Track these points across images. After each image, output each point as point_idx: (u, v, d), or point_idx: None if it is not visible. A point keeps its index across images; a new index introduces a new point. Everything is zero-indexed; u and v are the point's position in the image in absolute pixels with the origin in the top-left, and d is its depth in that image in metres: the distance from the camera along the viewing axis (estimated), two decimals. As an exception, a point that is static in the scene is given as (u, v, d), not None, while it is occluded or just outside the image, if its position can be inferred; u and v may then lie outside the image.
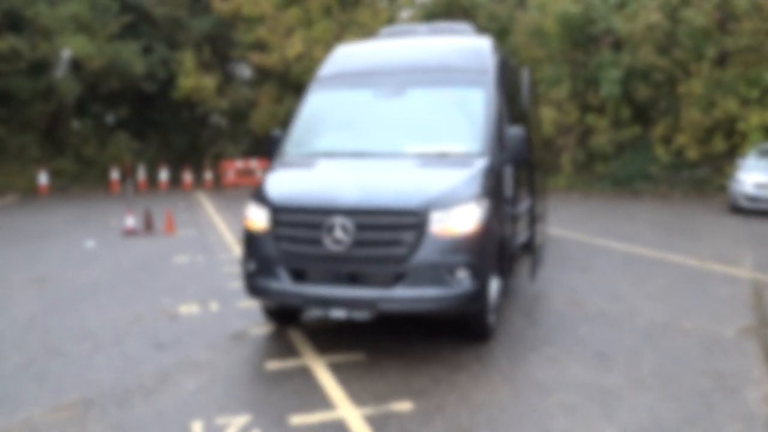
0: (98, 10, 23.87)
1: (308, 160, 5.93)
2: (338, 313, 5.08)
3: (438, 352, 5.50)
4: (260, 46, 25.26)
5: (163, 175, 24.80)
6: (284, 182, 5.61)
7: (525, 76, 7.31)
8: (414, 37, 7.08)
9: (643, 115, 21.69)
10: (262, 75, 26.41)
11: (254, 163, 25.18)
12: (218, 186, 25.28)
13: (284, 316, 6.20)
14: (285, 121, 25.61)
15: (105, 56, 23.39)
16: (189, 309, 7.10)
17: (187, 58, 25.78)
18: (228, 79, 28.57)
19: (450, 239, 5.02)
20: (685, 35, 19.50)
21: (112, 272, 9.16)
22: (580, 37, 21.66)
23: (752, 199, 14.56)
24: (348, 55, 6.86)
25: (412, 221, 5.00)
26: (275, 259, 5.29)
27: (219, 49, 28.18)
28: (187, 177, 24.95)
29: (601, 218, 14.71)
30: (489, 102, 6.03)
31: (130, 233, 12.72)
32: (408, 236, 4.98)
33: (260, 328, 6.32)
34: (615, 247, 10.51)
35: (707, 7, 19.26)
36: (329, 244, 5.03)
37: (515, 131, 5.90)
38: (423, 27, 7.39)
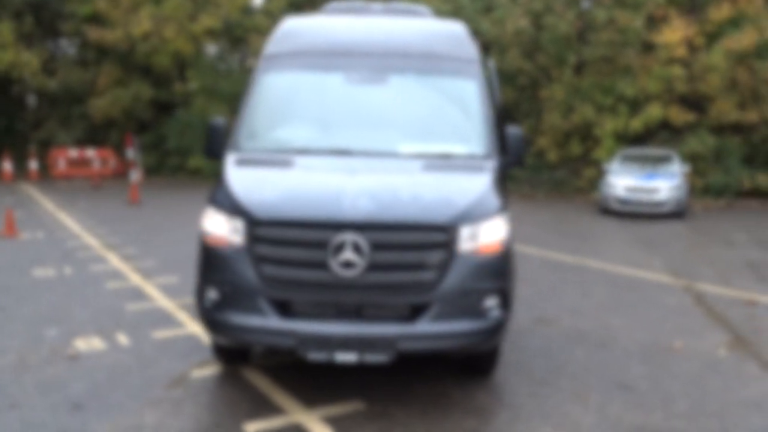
0: None
1: (280, 157, 4.69)
2: (346, 357, 3.95)
3: (446, 393, 4.57)
4: (99, 21, 22.38)
5: (-26, 163, 21.12)
6: (261, 186, 4.34)
7: (492, 67, 6.58)
8: (375, 16, 6.04)
9: (508, 117, 22.18)
10: (101, 53, 23.43)
11: (91, 153, 22.27)
12: (46, 177, 22.00)
13: (237, 353, 4.92)
14: (131, 107, 23.01)
15: None
16: (90, 344, 5.50)
17: (4, 30, 22.18)
18: (56, 56, 25.07)
19: (480, 260, 4.12)
20: (548, 42, 20.17)
21: (-45, 292, 7.09)
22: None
23: (623, 201, 15.21)
24: (303, 30, 5.65)
25: (440, 239, 4.03)
26: (253, 287, 4.04)
27: (45, 21, 24.62)
28: (7, 166, 21.39)
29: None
30: (483, 95, 5.20)
31: (-41, 237, 10.26)
32: (435, 257, 4.01)
33: (204, 369, 4.97)
34: (527, 252, 10.20)
35: (569, 16, 20.06)
36: (337, 269, 3.91)
37: (515, 131, 5.12)
38: (377, 5, 6.36)
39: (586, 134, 20.40)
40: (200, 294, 4.28)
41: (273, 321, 4.01)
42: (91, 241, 10.53)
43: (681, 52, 18.89)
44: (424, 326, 3.99)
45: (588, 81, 20.23)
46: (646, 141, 19.85)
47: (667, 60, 19.04)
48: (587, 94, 20.13)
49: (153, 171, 23.57)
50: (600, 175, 18.15)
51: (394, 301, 4.02)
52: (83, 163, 22.35)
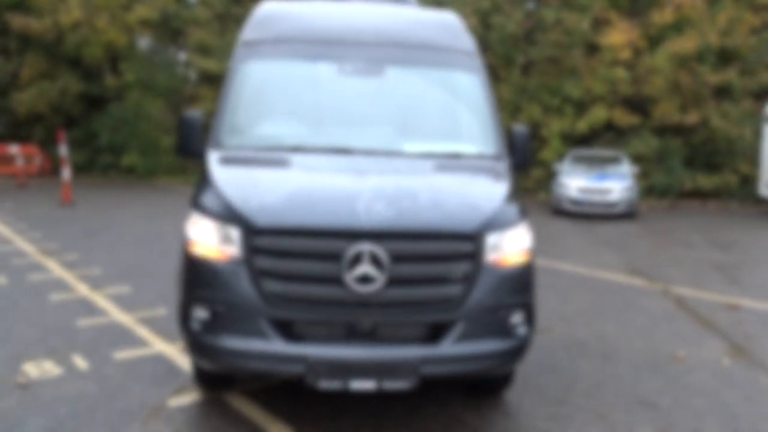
0: None
1: (272, 156, 4.14)
2: (363, 385, 3.45)
3: (460, 419, 4.14)
4: (23, 8, 20.87)
5: None
6: (257, 188, 3.77)
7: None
8: (362, 2, 5.54)
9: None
10: (25, 43, 21.85)
11: (15, 149, 20.70)
12: (-37, 176, 20.32)
13: (221, 378, 4.34)
14: (58, 101, 21.57)
15: None
16: (42, 370, 4.79)
17: None
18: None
19: (506, 273, 3.71)
20: (496, 41, 20.09)
21: None
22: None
23: (576, 202, 15.22)
24: (285, 14, 5.09)
25: (466, 249, 3.59)
26: (252, 305, 3.49)
27: (-39, 7, 22.78)
28: None
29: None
30: (488, 90, 4.80)
31: None
32: (460, 269, 3.57)
33: (182, 396, 4.36)
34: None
35: (517, 16, 20.05)
36: (352, 284, 3.40)
37: (520, 129, 4.75)
38: (358, -8, 5.85)
39: (533, 134, 20.42)
40: (185, 314, 3.68)
41: (277, 345, 3.47)
42: (25, 246, 9.57)
43: (625, 54, 19.15)
44: (449, 348, 3.54)
45: (535, 81, 20.26)
46: (591, 142, 20.06)
47: (611, 62, 19.26)
48: (534, 95, 20.17)
49: (83, 169, 22.18)
50: (548, 175, 18.20)
51: (416, 319, 3.56)
52: (6, 160, 20.73)
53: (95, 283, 7.46)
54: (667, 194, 18.99)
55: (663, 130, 19.72)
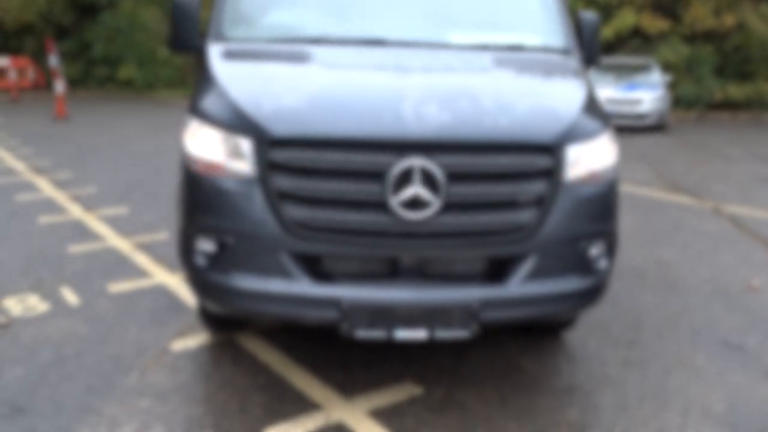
0: None
1: (289, 49, 3.31)
2: (412, 334, 2.76)
3: (519, 367, 3.49)
4: None
5: None
6: (273, 88, 2.96)
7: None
8: None
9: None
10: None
11: (6, 62, 19.62)
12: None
13: (230, 320, 3.67)
14: (47, 9, 20.27)
15: None
16: (26, 306, 4.14)
17: None
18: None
19: (589, 194, 2.94)
20: None
21: None
22: None
23: (603, 114, 14.25)
24: None
25: (543, 164, 2.80)
26: (271, 236, 2.75)
27: None
28: None
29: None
30: (549, -33, 3.88)
31: None
32: (535, 190, 2.79)
33: (187, 338, 3.71)
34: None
35: None
36: (399, 210, 2.65)
37: (591, 18, 3.88)
38: None
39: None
40: (187, 246, 2.96)
41: (303, 285, 2.75)
42: (15, 164, 8.82)
43: (657, -48, 17.67)
44: (517, 287, 2.82)
45: None
46: (617, 50, 18.84)
47: (641, -39, 17.82)
48: (557, -2, 18.75)
49: (78, 83, 21.17)
50: (572, 86, 17.11)
51: (477, 253, 2.82)
52: (-4, 73, 19.77)
53: (89, 204, 6.76)
54: (695, 105, 17.97)
55: (693, 37, 18.46)
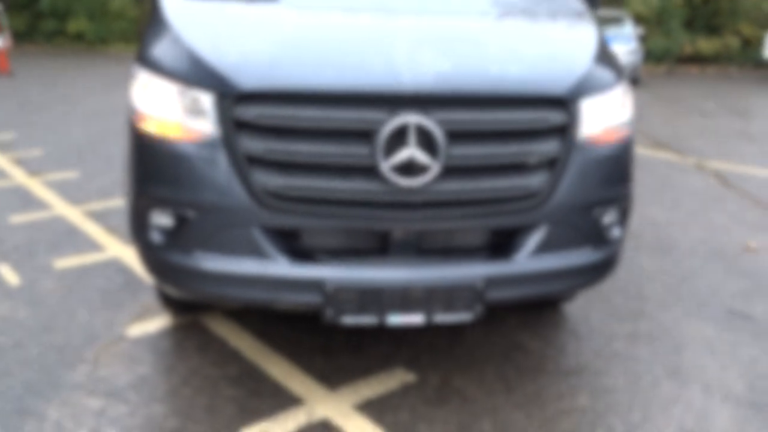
0: None
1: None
2: (406, 319, 2.38)
3: (520, 345, 3.16)
4: None
5: None
6: (235, 31, 2.49)
7: None
8: None
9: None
10: None
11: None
12: None
13: (193, 304, 3.25)
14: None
15: None
16: (-43, 286, 3.64)
17: None
18: None
19: (604, 154, 2.57)
20: None
21: None
22: None
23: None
24: None
25: (556, 120, 2.41)
26: (239, 208, 2.32)
27: None
28: None
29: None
30: None
31: None
32: (546, 150, 2.41)
33: (146, 321, 3.28)
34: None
35: None
36: (391, 175, 2.23)
37: (593, -46, 3.45)
38: None
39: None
40: (139, 221, 2.52)
41: (280, 266, 2.34)
42: (-50, 124, 8.09)
43: None
44: (527, 262, 2.46)
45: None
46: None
47: None
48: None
49: (23, 37, 19.91)
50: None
51: (481, 224, 2.44)
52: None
53: (34, 168, 6.17)
54: (664, 59, 17.75)
55: (663, -12, 18.12)
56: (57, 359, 2.92)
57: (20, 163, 6.36)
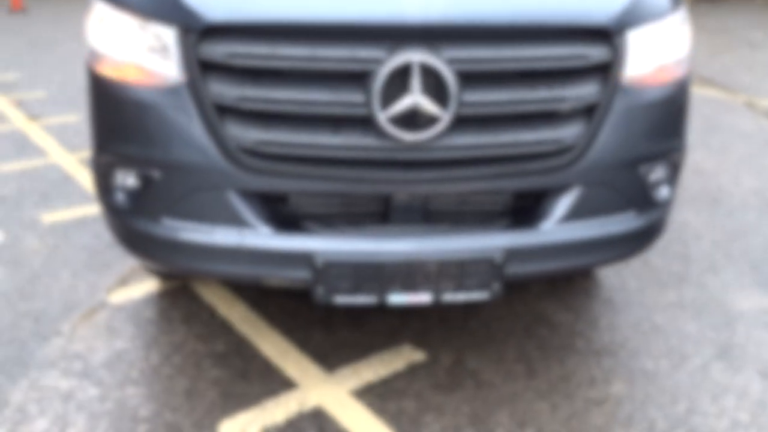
0: None
1: None
2: (411, 298, 2.02)
3: (543, 317, 2.79)
4: None
5: None
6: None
7: None
8: None
9: None
10: None
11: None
12: None
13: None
14: None
15: None
16: (-65, 244, 3.37)
17: None
18: None
19: (657, 98, 2.11)
20: None
21: None
22: None
23: None
24: None
25: (596, 57, 1.96)
26: (211, 167, 1.94)
27: None
28: None
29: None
30: None
31: None
32: (583, 94, 1.97)
33: (133, 286, 2.97)
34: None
35: None
36: (391, 128, 1.83)
37: None
38: None
39: None
40: (101, 181, 2.16)
41: (262, 236, 1.98)
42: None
43: None
44: (556, 231, 2.06)
45: None
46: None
47: None
48: None
49: (41, -29, 19.37)
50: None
51: (501, 186, 2.03)
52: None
53: (35, 111, 5.85)
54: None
55: None
56: (30, 331, 2.64)
57: (21, 105, 6.04)
